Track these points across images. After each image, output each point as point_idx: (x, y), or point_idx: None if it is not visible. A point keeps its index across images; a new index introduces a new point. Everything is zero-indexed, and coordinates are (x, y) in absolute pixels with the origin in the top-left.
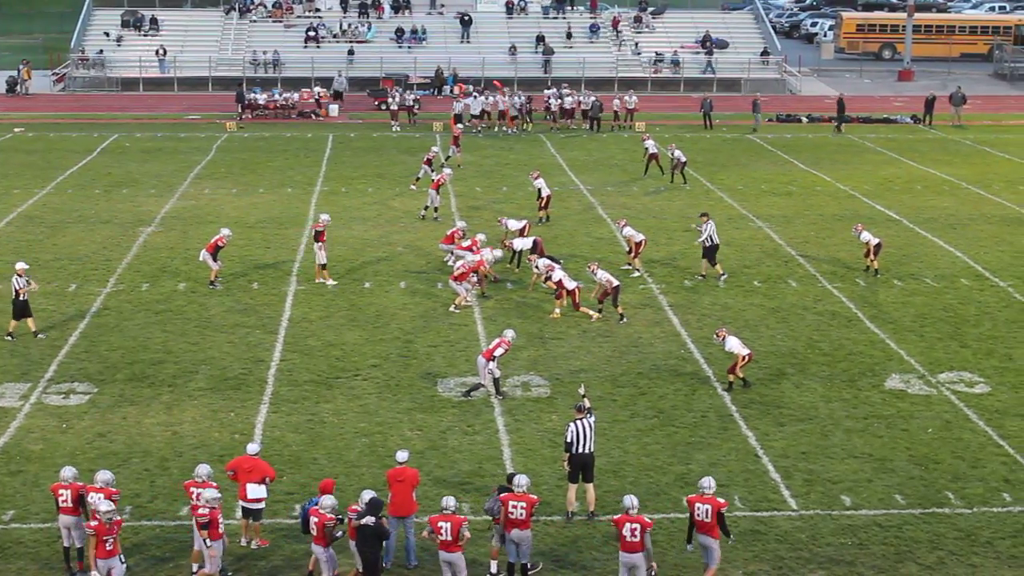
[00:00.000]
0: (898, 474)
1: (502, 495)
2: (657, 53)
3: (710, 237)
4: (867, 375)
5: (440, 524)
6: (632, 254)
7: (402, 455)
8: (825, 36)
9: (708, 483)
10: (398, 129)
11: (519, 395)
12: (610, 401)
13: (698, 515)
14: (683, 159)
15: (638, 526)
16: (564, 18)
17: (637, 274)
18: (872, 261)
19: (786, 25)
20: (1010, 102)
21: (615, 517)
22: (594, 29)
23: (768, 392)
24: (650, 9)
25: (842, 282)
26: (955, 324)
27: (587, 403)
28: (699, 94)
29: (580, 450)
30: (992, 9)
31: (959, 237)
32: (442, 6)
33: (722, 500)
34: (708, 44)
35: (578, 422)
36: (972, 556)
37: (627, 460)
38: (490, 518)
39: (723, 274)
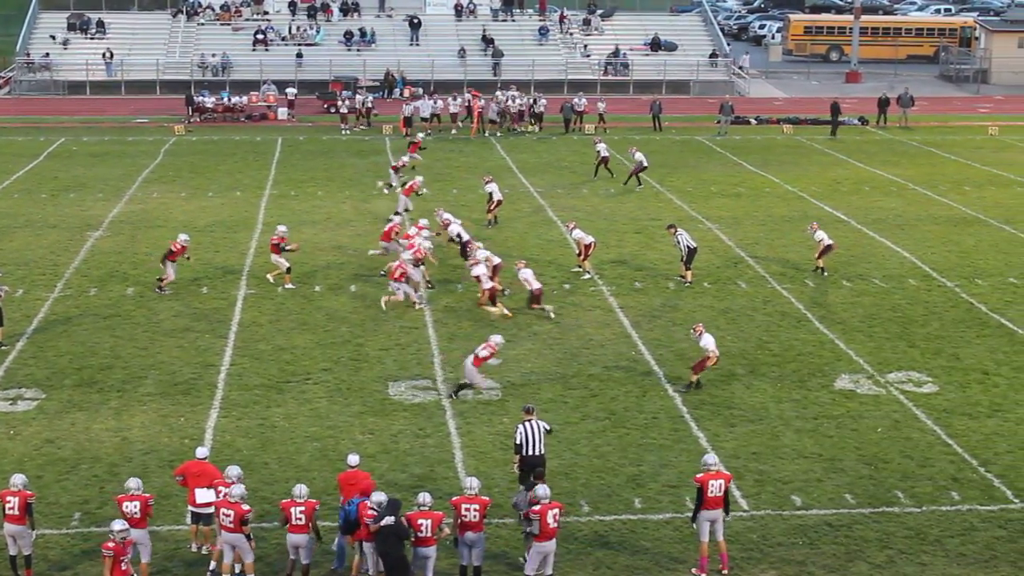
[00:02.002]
0: (848, 474)
1: (530, 497)
2: (611, 55)
3: (686, 245)
4: (817, 375)
5: (420, 521)
6: (582, 256)
7: (353, 459)
8: (773, 38)
9: (713, 459)
10: (348, 132)
11: (470, 398)
12: (561, 403)
13: (711, 491)
14: (644, 163)
15: (557, 511)
16: (513, 20)
17: (587, 276)
18: (819, 260)
19: (734, 27)
20: (955, 103)
21: (534, 508)
22: (543, 32)
23: (719, 393)
24: (599, 12)
25: (791, 283)
26: (903, 324)
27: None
28: (648, 96)
29: (531, 452)
30: (938, 12)
31: (907, 237)
32: (391, 9)
33: (728, 472)
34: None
35: (526, 423)
36: (921, 555)
37: (578, 462)
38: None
39: (688, 281)
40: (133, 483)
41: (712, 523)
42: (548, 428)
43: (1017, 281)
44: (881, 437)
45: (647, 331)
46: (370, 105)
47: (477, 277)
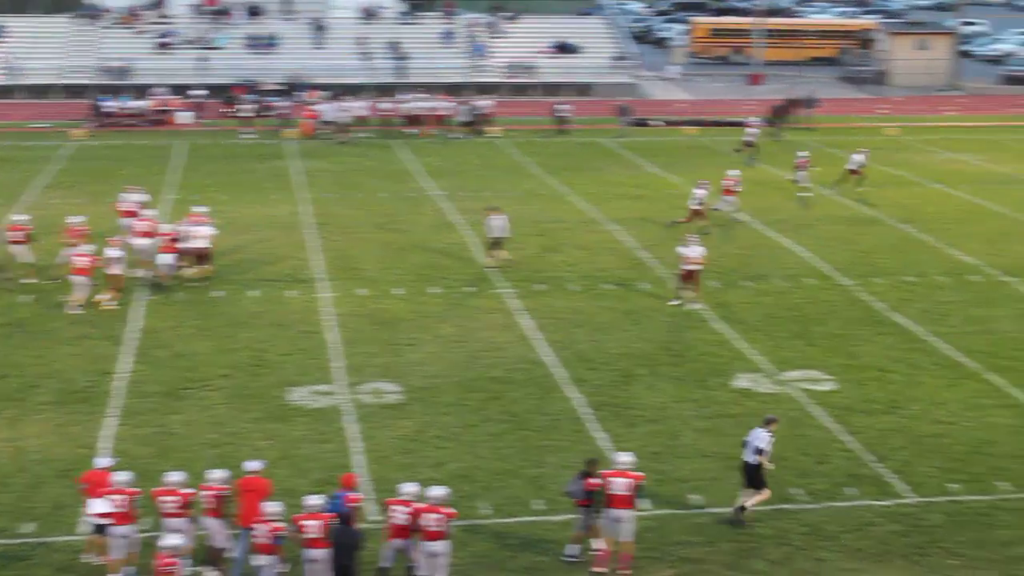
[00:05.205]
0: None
1: (587, 479)
2: (515, 58)
3: (497, 227)
4: (716, 375)
5: (305, 523)
6: (692, 283)
7: (253, 465)
8: (678, 41)
9: (627, 457)
10: (250, 136)
11: (371, 402)
12: (463, 406)
13: (614, 489)
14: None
15: (442, 516)
16: (419, 24)
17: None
18: None
19: (639, 30)
20: (857, 105)
21: (417, 507)
22: (448, 35)
23: (620, 394)
24: (504, 14)
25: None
26: (802, 323)
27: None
28: (553, 99)
29: (743, 457)
30: (842, 14)
31: (806, 237)
32: (295, 12)
33: (636, 473)
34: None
35: (756, 429)
36: (818, 550)
37: (480, 465)
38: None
39: (494, 267)
40: None
41: (617, 522)
42: (761, 447)
43: (914, 280)
44: (779, 435)
45: (550, 333)
46: (286, 111)
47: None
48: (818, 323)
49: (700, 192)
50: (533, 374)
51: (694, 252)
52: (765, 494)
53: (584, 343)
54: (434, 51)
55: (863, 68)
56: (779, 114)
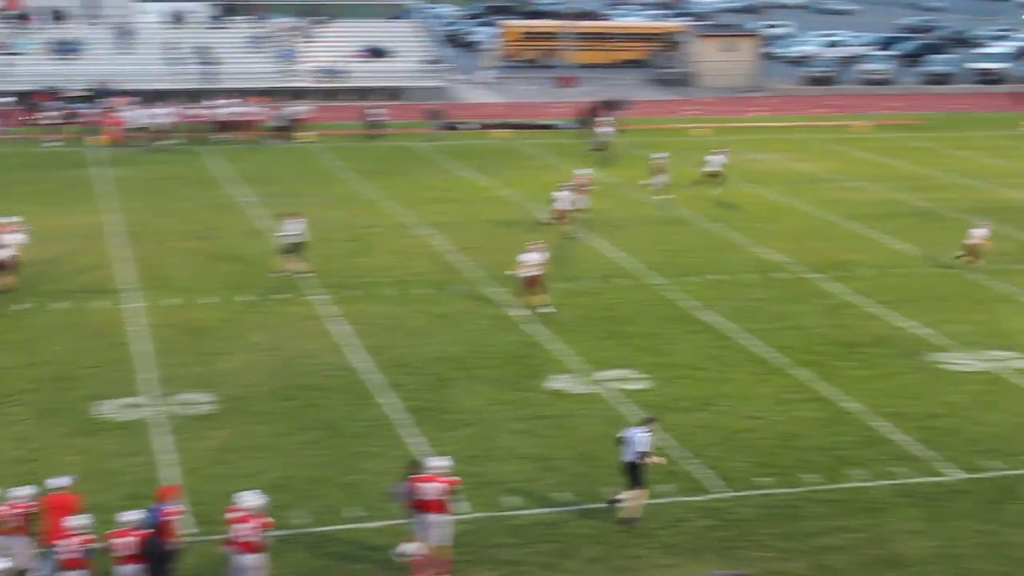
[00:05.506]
0: (562, 472)
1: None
2: (326, 63)
3: (292, 235)
4: (531, 376)
5: (117, 540)
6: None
7: (60, 481)
8: (488, 44)
9: (441, 461)
10: (53, 144)
11: (183, 413)
12: (276, 415)
13: (427, 494)
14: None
15: (259, 525)
16: (228, 28)
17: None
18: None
19: (450, 33)
20: (666, 106)
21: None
22: (258, 40)
23: (435, 398)
24: (314, 19)
25: (506, 286)
26: (615, 323)
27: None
28: (364, 103)
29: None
30: (651, 17)
31: (618, 238)
32: (100, 17)
33: (450, 478)
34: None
35: (631, 429)
36: (633, 547)
37: (295, 473)
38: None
39: (290, 272)
40: None
41: (431, 527)
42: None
43: (723, 278)
44: (594, 434)
45: (364, 339)
46: (94, 118)
47: None
48: (630, 323)
49: (561, 195)
50: (348, 380)
51: (534, 258)
52: (643, 493)
53: (399, 348)
54: (244, 56)
55: (672, 70)
56: (587, 116)
